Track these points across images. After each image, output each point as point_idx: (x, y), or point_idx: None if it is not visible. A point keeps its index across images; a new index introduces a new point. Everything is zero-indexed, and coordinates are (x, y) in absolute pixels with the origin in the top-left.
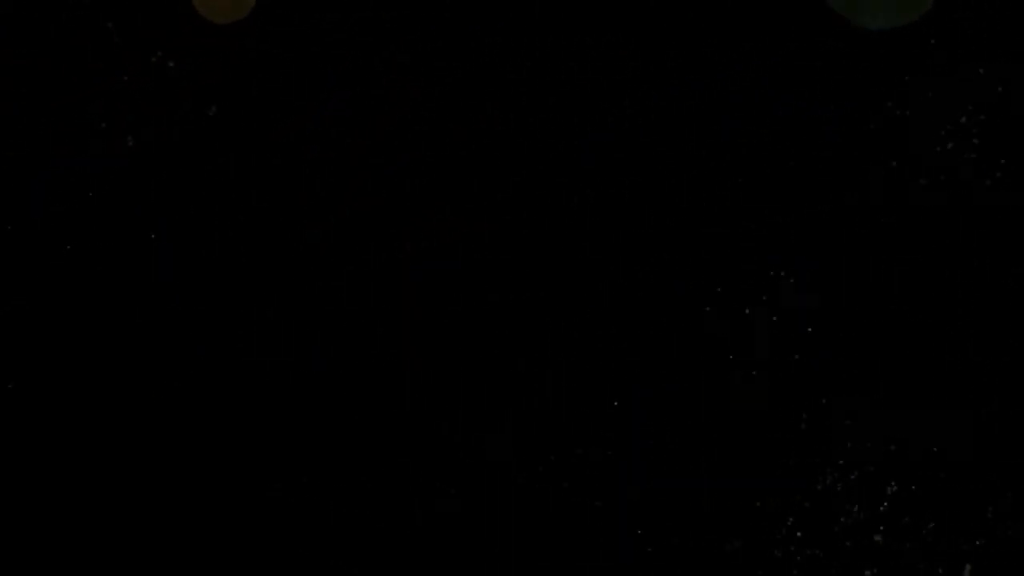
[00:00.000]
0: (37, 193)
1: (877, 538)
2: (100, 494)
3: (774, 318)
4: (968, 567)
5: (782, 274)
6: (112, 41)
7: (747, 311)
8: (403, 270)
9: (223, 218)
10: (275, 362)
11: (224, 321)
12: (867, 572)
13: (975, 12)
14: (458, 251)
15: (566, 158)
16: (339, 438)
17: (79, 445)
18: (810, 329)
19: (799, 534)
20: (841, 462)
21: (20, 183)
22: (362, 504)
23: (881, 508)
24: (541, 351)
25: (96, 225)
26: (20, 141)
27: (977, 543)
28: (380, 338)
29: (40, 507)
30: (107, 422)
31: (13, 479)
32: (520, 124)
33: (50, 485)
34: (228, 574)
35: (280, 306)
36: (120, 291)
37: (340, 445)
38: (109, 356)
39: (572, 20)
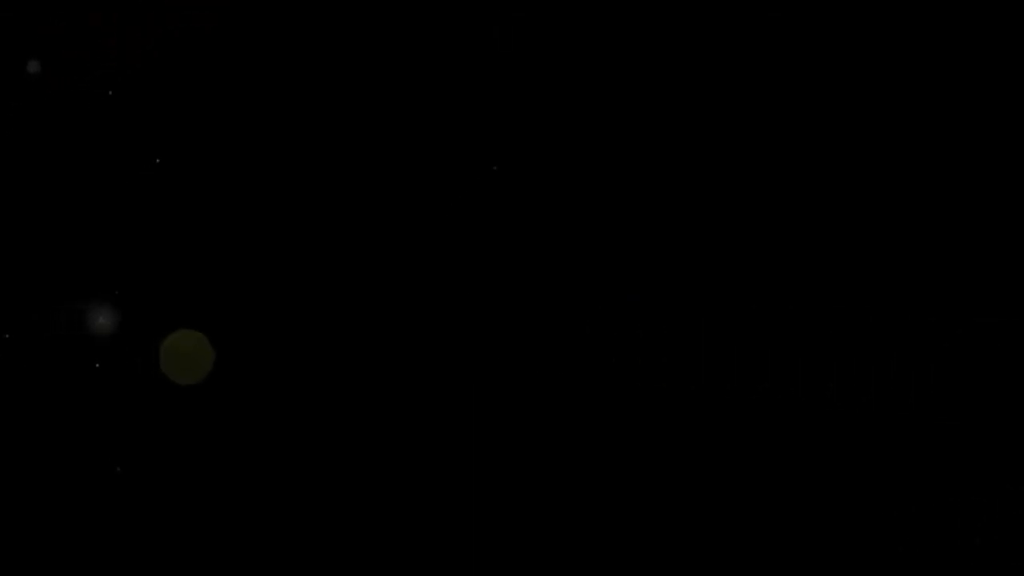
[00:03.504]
0: (35, 193)
1: (878, 537)
2: (97, 493)
3: (774, 318)
4: None
5: (782, 274)
6: (109, 43)
7: (747, 311)
8: (403, 270)
9: (222, 217)
10: (274, 362)
11: (223, 321)
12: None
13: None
14: (458, 251)
15: (566, 158)
16: (338, 438)
17: (76, 444)
18: (809, 328)
19: (799, 534)
20: (841, 461)
21: (18, 183)
22: (361, 504)
23: (880, 508)
24: (540, 351)
25: (95, 220)
26: (17, 140)
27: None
28: (379, 338)
29: (39, 507)
30: (102, 421)
31: (12, 477)
32: (520, 124)
33: (49, 485)
34: (228, 574)
35: (279, 306)
36: (118, 290)
37: (340, 445)
38: (106, 355)
39: (572, 20)
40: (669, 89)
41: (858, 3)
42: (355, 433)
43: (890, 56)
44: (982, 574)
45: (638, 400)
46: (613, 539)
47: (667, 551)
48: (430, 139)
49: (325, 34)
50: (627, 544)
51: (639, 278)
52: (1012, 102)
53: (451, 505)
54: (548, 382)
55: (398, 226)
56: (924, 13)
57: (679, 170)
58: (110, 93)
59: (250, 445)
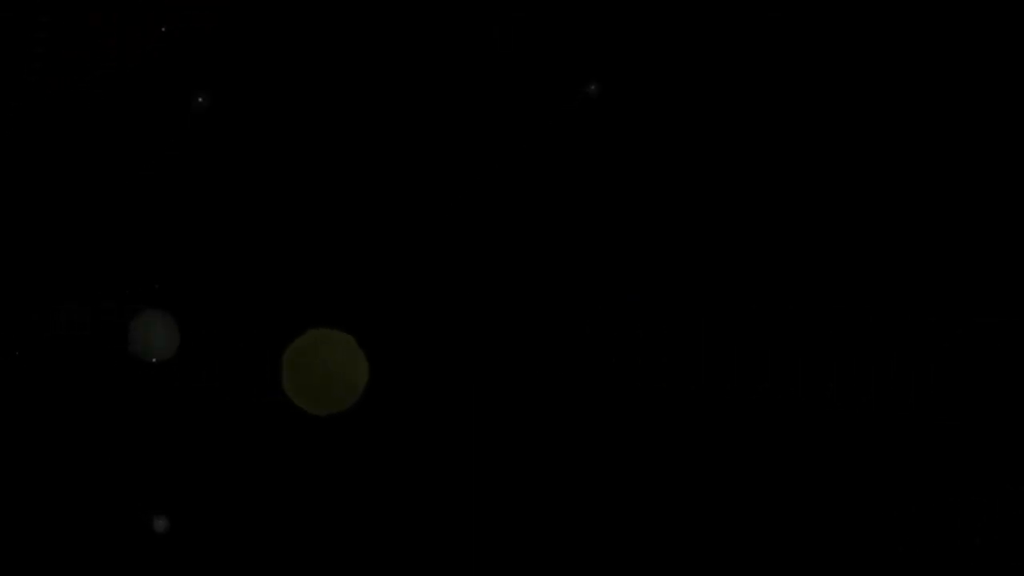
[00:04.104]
0: (35, 194)
1: (877, 539)
2: (93, 493)
3: (774, 318)
4: None
5: (782, 274)
6: (109, 43)
7: (747, 311)
8: (402, 270)
9: (220, 217)
10: (272, 361)
11: (219, 322)
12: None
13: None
14: (457, 250)
15: (565, 157)
16: (336, 438)
17: (71, 443)
18: (809, 328)
19: (798, 536)
20: (841, 461)
21: (17, 183)
22: (361, 504)
23: (878, 508)
24: (540, 351)
25: (95, 220)
26: (17, 140)
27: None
28: (379, 337)
29: (35, 507)
30: (97, 420)
31: (10, 474)
32: (519, 124)
33: (44, 484)
34: (226, 574)
35: (277, 307)
36: (114, 291)
37: (338, 445)
38: (102, 354)
39: (571, 19)
40: (668, 89)
41: (858, 3)
42: (354, 433)
43: (890, 56)
44: (982, 574)
45: (638, 400)
46: (613, 539)
47: (667, 551)
48: (429, 139)
49: (325, 34)
50: (627, 544)
51: (639, 278)
52: (1012, 102)
53: (451, 505)
54: (548, 382)
55: (397, 226)
56: (924, 13)
57: (679, 170)
58: (171, 40)
59: (249, 443)
